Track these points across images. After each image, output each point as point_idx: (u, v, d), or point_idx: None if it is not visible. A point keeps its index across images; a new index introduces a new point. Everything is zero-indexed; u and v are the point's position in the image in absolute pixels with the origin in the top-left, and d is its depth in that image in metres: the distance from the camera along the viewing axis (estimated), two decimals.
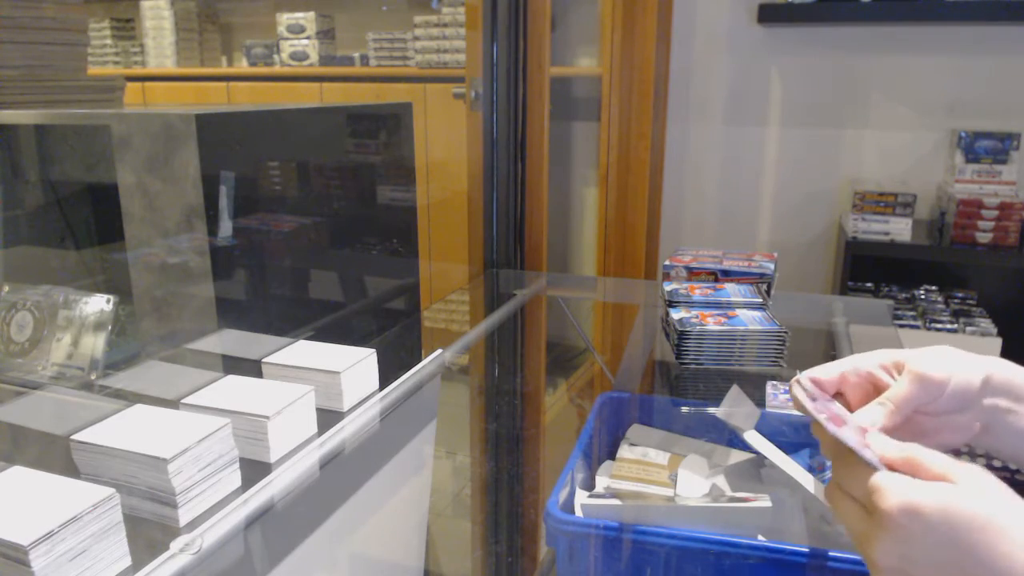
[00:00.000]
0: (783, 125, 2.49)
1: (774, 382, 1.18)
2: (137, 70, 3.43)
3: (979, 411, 0.56)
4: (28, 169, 1.19)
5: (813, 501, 0.97)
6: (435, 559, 1.21)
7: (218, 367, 0.92)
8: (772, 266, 1.45)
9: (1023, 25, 2.16)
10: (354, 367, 0.89)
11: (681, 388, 1.26)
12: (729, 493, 1.01)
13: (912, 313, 2.18)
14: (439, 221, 2.39)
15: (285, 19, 3.18)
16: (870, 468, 0.49)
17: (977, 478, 0.45)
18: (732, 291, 1.36)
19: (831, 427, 0.52)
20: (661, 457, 1.09)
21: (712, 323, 1.24)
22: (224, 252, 0.92)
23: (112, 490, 0.58)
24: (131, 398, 0.82)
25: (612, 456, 1.12)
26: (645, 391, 1.28)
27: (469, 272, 1.80)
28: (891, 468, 0.49)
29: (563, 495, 0.96)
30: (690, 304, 1.32)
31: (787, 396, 1.10)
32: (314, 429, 0.83)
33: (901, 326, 2.10)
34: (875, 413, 0.56)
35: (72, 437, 0.68)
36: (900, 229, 2.16)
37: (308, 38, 3.17)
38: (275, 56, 3.26)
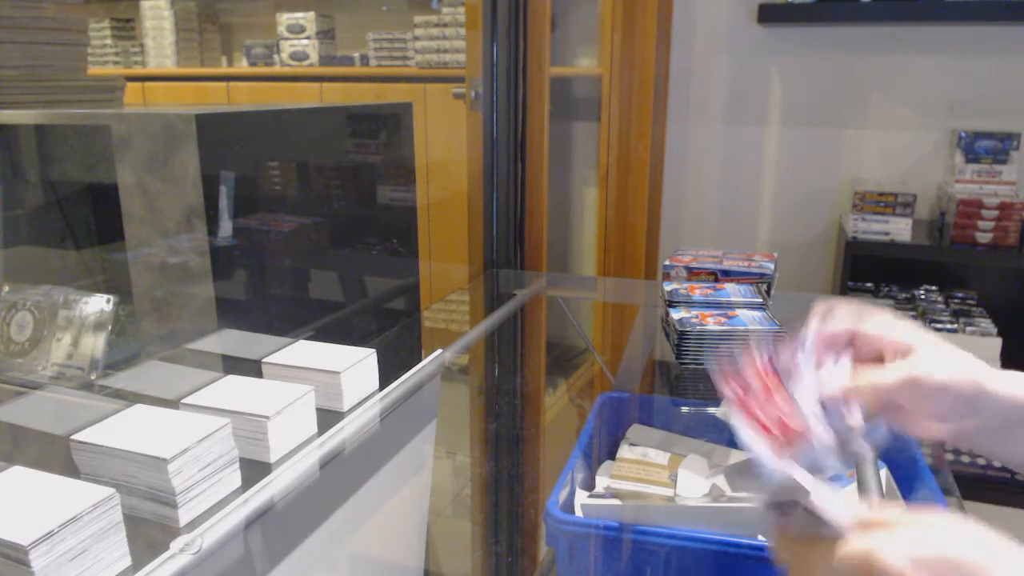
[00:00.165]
0: (783, 125, 2.49)
1: None
2: (137, 70, 3.43)
3: (973, 419, 0.54)
4: (28, 169, 1.19)
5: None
6: (435, 559, 1.21)
7: (218, 367, 0.92)
8: (772, 266, 1.45)
9: (1023, 25, 2.16)
10: (354, 367, 0.89)
11: (681, 388, 1.26)
12: (729, 493, 1.01)
13: (912, 313, 2.18)
14: (439, 221, 2.39)
15: (285, 19, 3.18)
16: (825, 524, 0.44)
17: (949, 520, 0.42)
18: (732, 291, 1.36)
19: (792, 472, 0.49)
20: (661, 457, 1.09)
21: (712, 323, 1.24)
22: (224, 252, 0.92)
23: (112, 490, 0.58)
24: (131, 398, 0.82)
25: (612, 456, 1.12)
26: (645, 391, 1.28)
27: (469, 272, 1.80)
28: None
29: (563, 495, 0.96)
30: (690, 304, 1.32)
31: None
32: (314, 429, 0.83)
33: None
34: (860, 391, 0.54)
35: (72, 437, 0.68)
36: (900, 229, 2.16)
37: (308, 38, 3.17)
38: (275, 56, 3.26)
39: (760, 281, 1.41)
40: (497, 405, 1.38)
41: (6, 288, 1.01)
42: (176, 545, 0.62)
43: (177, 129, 0.88)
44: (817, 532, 0.45)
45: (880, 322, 0.57)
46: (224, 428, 0.70)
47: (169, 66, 3.37)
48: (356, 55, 3.14)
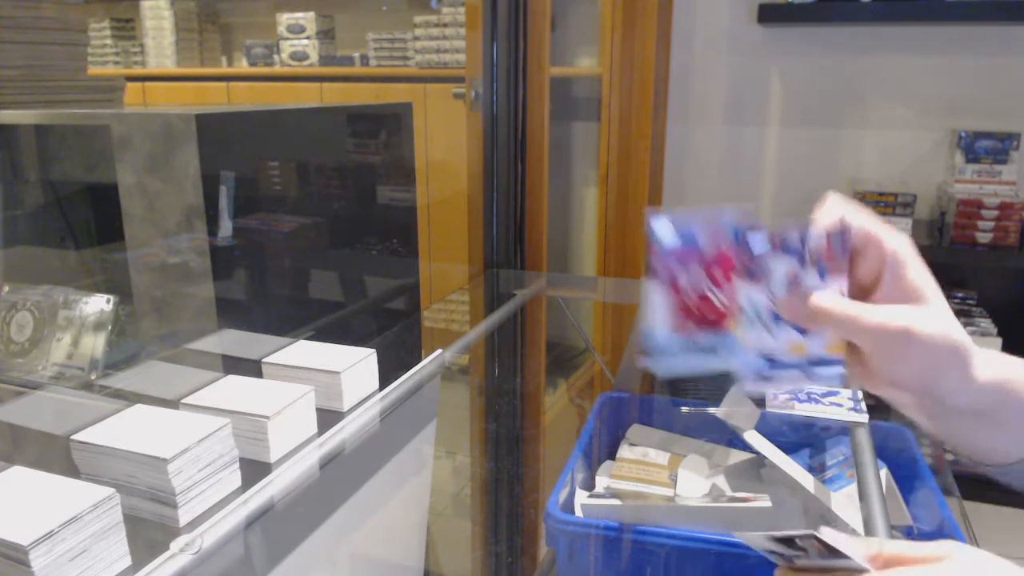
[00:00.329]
0: (783, 125, 2.49)
1: None
2: (137, 70, 3.43)
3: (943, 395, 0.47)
4: (28, 169, 1.19)
5: (813, 501, 0.97)
6: (435, 559, 1.21)
7: (218, 367, 0.92)
8: None
9: (1023, 25, 2.16)
10: (354, 367, 0.89)
11: (681, 388, 1.26)
12: (729, 493, 1.01)
13: None
14: (439, 221, 2.39)
15: (285, 19, 3.18)
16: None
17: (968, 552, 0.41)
18: None
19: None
20: (661, 457, 1.09)
21: None
22: (224, 252, 0.92)
23: (112, 490, 0.58)
24: (131, 398, 0.82)
25: (612, 456, 1.12)
26: (645, 391, 1.28)
27: (469, 272, 1.80)
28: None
29: (563, 495, 0.96)
30: None
31: (787, 396, 1.10)
32: (314, 429, 0.83)
33: None
34: (834, 317, 0.47)
35: (72, 437, 0.68)
36: (900, 229, 2.15)
37: (308, 38, 3.17)
38: (275, 56, 3.25)
39: None
40: (497, 405, 1.38)
41: (6, 288, 1.01)
42: (176, 545, 0.62)
43: (177, 129, 0.88)
44: (830, 568, 0.43)
45: (901, 250, 0.47)
46: (224, 428, 0.70)
47: (169, 66, 3.37)
48: (356, 55, 3.14)
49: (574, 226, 2.79)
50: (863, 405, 1.08)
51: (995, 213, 2.06)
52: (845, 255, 0.47)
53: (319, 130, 1.16)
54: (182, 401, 0.78)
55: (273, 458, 0.76)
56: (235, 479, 0.72)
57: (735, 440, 1.09)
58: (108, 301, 0.96)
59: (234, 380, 0.84)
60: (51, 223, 1.21)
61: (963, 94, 2.29)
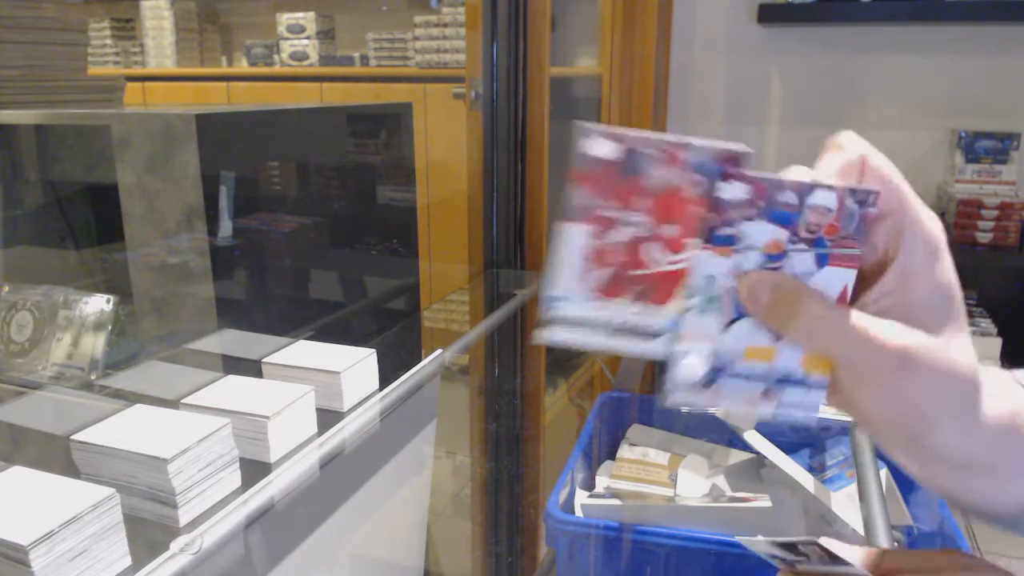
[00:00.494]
0: (783, 125, 2.49)
1: None
2: (137, 70, 3.43)
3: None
4: (28, 169, 1.19)
5: (813, 501, 0.97)
6: (435, 559, 1.21)
7: (218, 367, 0.92)
8: None
9: (1023, 25, 2.16)
10: (354, 367, 0.89)
11: None
12: (729, 493, 1.01)
13: None
14: (439, 221, 2.39)
15: (285, 19, 3.18)
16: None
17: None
18: None
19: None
20: (661, 457, 1.09)
21: None
22: (224, 252, 0.92)
23: (112, 490, 0.58)
24: (131, 398, 0.82)
25: (612, 456, 1.12)
26: (645, 391, 1.28)
27: (469, 272, 1.80)
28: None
29: (563, 495, 0.96)
30: None
31: None
32: (314, 429, 0.83)
33: None
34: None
35: (72, 437, 0.68)
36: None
37: (308, 38, 3.17)
38: (275, 56, 3.25)
39: None
40: (497, 405, 1.38)
41: (6, 288, 1.01)
42: (176, 545, 0.62)
43: (177, 129, 0.88)
44: (832, 574, 0.40)
45: (937, 239, 0.33)
46: (224, 428, 0.70)
47: (169, 66, 3.37)
48: (356, 55, 3.14)
49: None
50: None
51: (995, 213, 2.06)
52: (862, 234, 0.32)
53: (319, 130, 1.16)
54: (182, 401, 0.78)
55: (273, 458, 0.76)
56: (235, 479, 0.72)
57: (735, 440, 1.09)
58: (108, 301, 0.96)
59: (234, 380, 0.84)
60: (51, 223, 1.21)
61: (963, 94, 2.29)
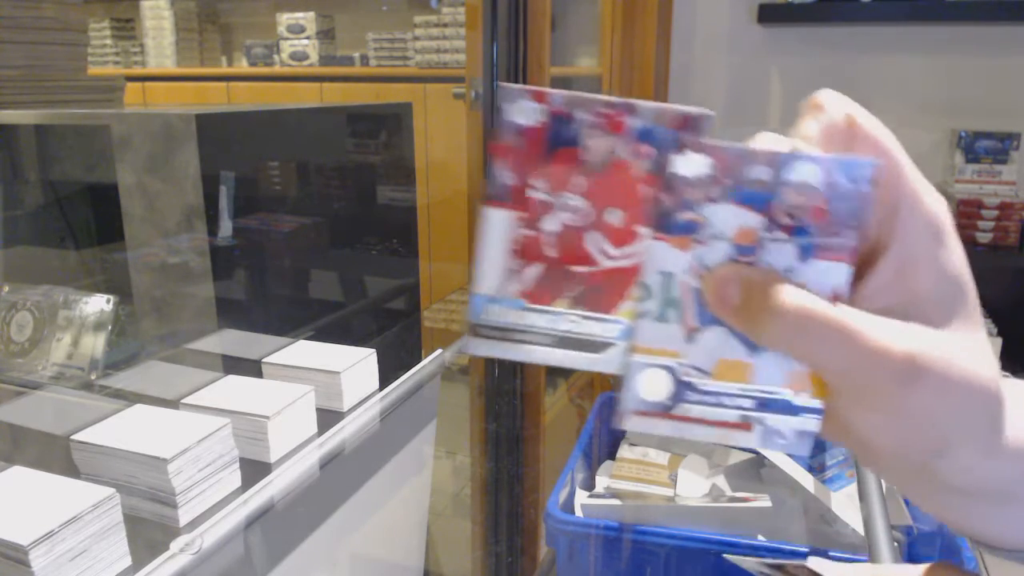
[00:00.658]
0: (783, 125, 2.49)
1: None
2: (137, 70, 3.43)
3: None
4: (28, 169, 1.19)
5: (813, 501, 0.97)
6: (435, 559, 1.21)
7: (218, 367, 0.92)
8: None
9: (1023, 25, 2.16)
10: (354, 367, 0.89)
11: None
12: (729, 493, 1.01)
13: None
14: (439, 221, 2.39)
15: (285, 19, 3.18)
16: None
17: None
18: None
19: None
20: (661, 457, 1.09)
21: None
22: (224, 252, 0.92)
23: (112, 490, 0.58)
24: (131, 398, 0.82)
25: (612, 456, 1.12)
26: None
27: (469, 272, 1.80)
28: None
29: (563, 495, 0.96)
30: None
31: None
32: (314, 429, 0.83)
33: None
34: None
35: (72, 437, 0.68)
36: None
37: (308, 38, 3.17)
38: (275, 56, 3.25)
39: None
40: (497, 405, 1.38)
41: (6, 288, 1.01)
42: (176, 545, 0.62)
43: (177, 129, 0.88)
44: None
45: (941, 220, 0.27)
46: (224, 428, 0.70)
47: (169, 66, 3.37)
48: (356, 55, 3.14)
49: None
50: None
51: (995, 213, 2.06)
52: (857, 220, 0.25)
53: (319, 130, 1.16)
54: (182, 401, 0.78)
55: (273, 458, 0.76)
56: (235, 479, 0.72)
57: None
58: (108, 301, 0.96)
59: (234, 380, 0.84)
60: (51, 223, 1.21)
61: (963, 94, 2.29)
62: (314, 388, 0.83)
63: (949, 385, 0.25)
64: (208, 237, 0.89)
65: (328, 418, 0.86)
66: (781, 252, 0.25)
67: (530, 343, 0.27)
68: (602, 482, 1.07)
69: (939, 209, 0.27)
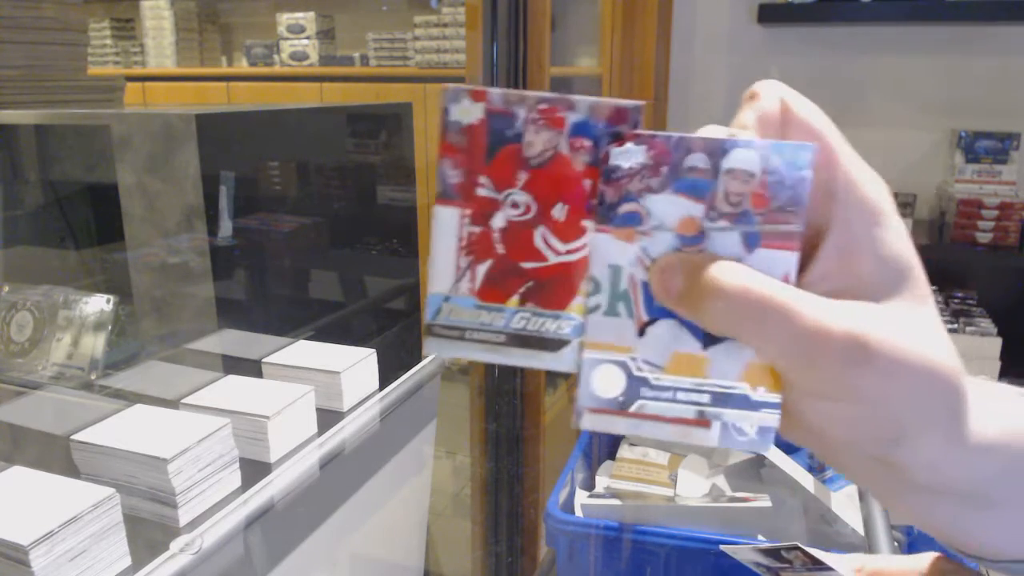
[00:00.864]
0: None
1: None
2: (137, 70, 3.43)
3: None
4: (28, 169, 1.19)
5: (813, 501, 0.97)
6: (435, 559, 1.21)
7: (218, 367, 0.92)
8: None
9: (1023, 25, 2.16)
10: (354, 367, 0.89)
11: None
12: (729, 493, 1.01)
13: None
14: None
15: (285, 19, 3.18)
16: None
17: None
18: None
19: None
20: (661, 457, 1.08)
21: None
22: (224, 252, 0.92)
23: (112, 490, 0.58)
24: (131, 398, 0.82)
25: (612, 456, 1.12)
26: None
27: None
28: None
29: (563, 495, 0.96)
30: None
31: None
32: (314, 429, 0.83)
33: None
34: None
35: (72, 437, 0.68)
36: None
37: (308, 38, 3.17)
38: (275, 56, 3.25)
39: None
40: (497, 405, 1.38)
41: (6, 288, 1.01)
42: (176, 545, 0.62)
43: (177, 129, 0.88)
44: None
45: (878, 201, 0.27)
46: (224, 428, 0.70)
47: (169, 66, 3.37)
48: (356, 55, 3.14)
49: None
50: None
51: (995, 213, 2.06)
52: (799, 206, 0.25)
53: (319, 130, 1.16)
54: (182, 401, 0.78)
55: (273, 458, 0.76)
56: (235, 479, 0.72)
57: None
58: (108, 301, 0.96)
59: (234, 380, 0.84)
60: (51, 223, 1.21)
61: (963, 94, 2.29)
62: (314, 388, 0.83)
63: (896, 365, 0.25)
64: (208, 237, 0.89)
65: (328, 418, 0.86)
66: (726, 242, 0.25)
67: (485, 342, 0.27)
68: (602, 482, 1.07)
69: (877, 191, 0.27)
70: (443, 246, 0.26)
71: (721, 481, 1.03)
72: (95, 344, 0.94)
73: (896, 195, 2.17)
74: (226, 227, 0.92)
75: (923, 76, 2.31)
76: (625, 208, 0.26)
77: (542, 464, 1.37)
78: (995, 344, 2.03)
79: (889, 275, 0.26)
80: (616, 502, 0.96)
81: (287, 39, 3.19)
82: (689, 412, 0.26)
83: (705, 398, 0.26)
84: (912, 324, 0.26)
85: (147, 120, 0.90)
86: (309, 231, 1.10)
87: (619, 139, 0.25)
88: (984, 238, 2.07)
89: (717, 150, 0.25)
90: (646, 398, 0.26)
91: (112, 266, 1.18)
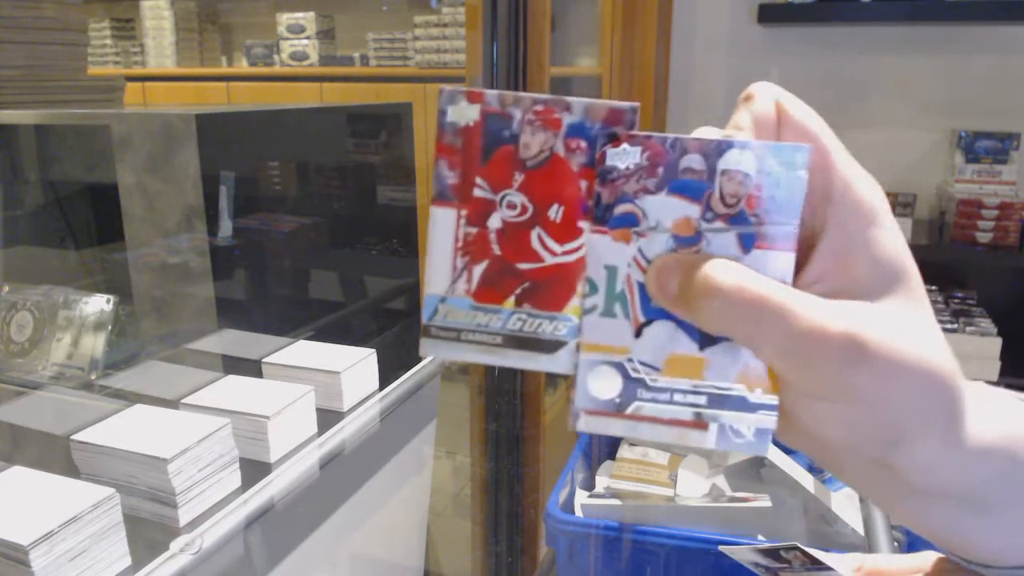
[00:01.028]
0: None
1: None
2: (137, 70, 3.43)
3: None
4: (28, 169, 1.19)
5: (813, 501, 0.97)
6: (435, 559, 1.21)
7: (218, 367, 0.92)
8: None
9: (1023, 25, 2.16)
10: (354, 367, 0.89)
11: None
12: (729, 493, 1.01)
13: None
14: None
15: (285, 19, 3.18)
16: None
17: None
18: None
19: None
20: (661, 457, 1.08)
21: None
22: (224, 252, 0.92)
23: (112, 490, 0.58)
24: (131, 398, 0.82)
25: (612, 456, 1.12)
26: None
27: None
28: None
29: (563, 495, 0.96)
30: None
31: None
32: (314, 429, 0.83)
33: None
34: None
35: (72, 437, 0.68)
36: (900, 229, 2.16)
37: (308, 38, 3.17)
38: (275, 56, 3.25)
39: None
40: (497, 405, 1.38)
41: (6, 288, 1.01)
42: (176, 545, 0.62)
43: (177, 129, 0.88)
44: None
45: (873, 203, 0.27)
46: (224, 428, 0.70)
47: (169, 66, 3.37)
48: (356, 55, 3.14)
49: None
50: None
51: (995, 213, 2.06)
52: (795, 207, 0.25)
53: (319, 130, 1.16)
54: (182, 401, 0.78)
55: (273, 458, 0.76)
56: (235, 479, 0.72)
57: None
58: (108, 301, 0.96)
59: (234, 380, 0.84)
60: (51, 223, 1.21)
61: (963, 94, 2.29)
62: (314, 388, 0.83)
63: (894, 366, 0.25)
64: (208, 237, 0.89)
65: (328, 418, 0.86)
66: (722, 243, 0.25)
67: (482, 343, 0.27)
68: (602, 482, 1.07)
69: (872, 192, 0.27)
70: (440, 247, 0.26)
71: (721, 481, 1.03)
72: (95, 344, 0.94)
73: (896, 195, 2.18)
74: (226, 227, 0.92)
75: (923, 76, 2.31)
76: (621, 209, 0.26)
77: (542, 464, 1.37)
78: (995, 344, 2.03)
79: (885, 276, 0.26)
80: (616, 502, 0.96)
81: (287, 39, 3.19)
82: (686, 414, 0.26)
83: (702, 400, 0.26)
84: (909, 325, 0.26)
85: (147, 120, 0.90)
86: (309, 231, 1.10)
87: (615, 140, 0.25)
88: (984, 238, 2.08)
89: (713, 151, 0.25)
90: (643, 400, 0.26)
91: (112, 266, 1.18)
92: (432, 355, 0.27)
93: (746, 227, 0.25)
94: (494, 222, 0.26)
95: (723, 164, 0.25)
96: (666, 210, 0.25)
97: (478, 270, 0.26)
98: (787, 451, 1.04)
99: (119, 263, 1.03)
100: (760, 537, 0.91)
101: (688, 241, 0.26)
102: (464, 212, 0.26)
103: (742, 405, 0.26)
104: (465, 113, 0.26)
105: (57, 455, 0.69)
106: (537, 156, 0.26)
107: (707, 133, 0.27)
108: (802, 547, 0.37)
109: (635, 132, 0.25)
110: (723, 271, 0.25)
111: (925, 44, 2.29)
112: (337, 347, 0.93)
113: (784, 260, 0.25)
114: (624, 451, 1.11)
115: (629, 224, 0.26)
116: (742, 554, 0.41)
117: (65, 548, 0.54)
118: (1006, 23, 2.17)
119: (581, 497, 1.01)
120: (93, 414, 0.72)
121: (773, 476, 1.03)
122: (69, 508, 0.55)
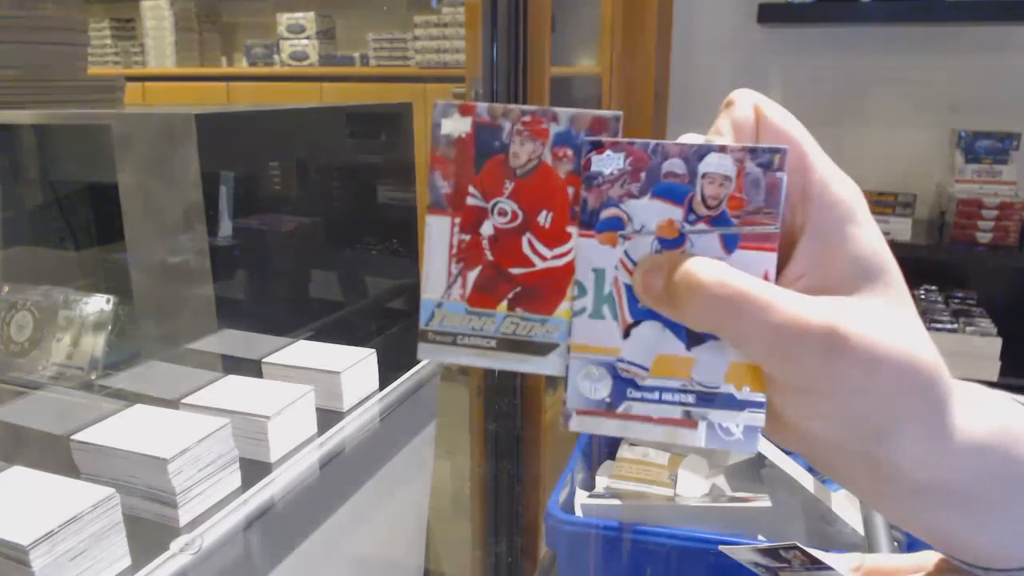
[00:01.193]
0: None
1: None
2: (137, 70, 3.43)
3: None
4: (28, 169, 1.19)
5: (813, 501, 0.97)
6: (435, 559, 1.21)
7: (218, 367, 0.92)
8: None
9: (1023, 25, 2.16)
10: (354, 367, 0.89)
11: None
12: (729, 493, 1.01)
13: None
14: None
15: (285, 19, 3.18)
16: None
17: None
18: None
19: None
20: (661, 457, 1.08)
21: None
22: (224, 252, 0.92)
23: (112, 490, 0.58)
24: (131, 398, 0.82)
25: (612, 456, 1.12)
26: None
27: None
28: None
29: (563, 495, 0.96)
30: None
31: None
32: (314, 429, 0.83)
33: None
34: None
35: (72, 437, 0.68)
36: (900, 229, 2.16)
37: (308, 38, 3.17)
38: (275, 56, 3.25)
39: None
40: (497, 405, 1.38)
41: (6, 288, 1.01)
42: (176, 545, 0.62)
43: (177, 129, 0.88)
44: None
45: (850, 201, 0.27)
46: (224, 428, 0.70)
47: (169, 66, 3.37)
48: (356, 55, 3.14)
49: None
50: None
51: (995, 213, 2.06)
52: (776, 207, 0.26)
53: (319, 130, 1.16)
54: (182, 401, 0.78)
55: (273, 458, 0.76)
56: (235, 479, 0.72)
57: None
58: (108, 301, 0.96)
59: (234, 380, 0.84)
60: (51, 223, 1.21)
61: (963, 94, 2.29)
62: (314, 388, 0.83)
63: (875, 358, 0.25)
64: (208, 237, 0.89)
65: (328, 418, 0.86)
66: (706, 244, 0.26)
67: (476, 347, 0.28)
68: (602, 482, 1.07)
69: (849, 191, 0.27)
70: (435, 254, 0.28)
71: (721, 481, 1.03)
72: (95, 344, 0.94)
73: (896, 195, 2.18)
74: (226, 227, 0.92)
75: (923, 76, 2.31)
76: (607, 213, 0.27)
77: (542, 464, 1.37)
78: (995, 344, 2.03)
79: (864, 272, 0.27)
80: (616, 502, 0.96)
81: (287, 39, 3.19)
82: (675, 412, 0.27)
83: (691, 398, 0.27)
84: (890, 318, 0.26)
85: (147, 120, 0.90)
86: (309, 231, 1.10)
87: (599, 147, 0.26)
88: (984, 238, 2.08)
89: (693, 155, 0.26)
90: (633, 399, 0.27)
91: (112, 266, 1.18)
92: (428, 359, 0.28)
93: (728, 228, 0.26)
94: (487, 229, 0.27)
95: (703, 167, 0.26)
96: (650, 213, 0.26)
97: (472, 276, 0.28)
98: (787, 451, 1.04)
99: (119, 263, 1.03)
100: (760, 537, 0.91)
101: (672, 243, 0.27)
102: (458, 220, 0.27)
103: (730, 403, 0.27)
104: (458, 125, 0.27)
105: (57, 455, 0.69)
106: (526, 165, 0.27)
107: (689, 139, 0.28)
108: (802, 547, 0.37)
109: (618, 139, 0.26)
110: (705, 268, 0.25)
111: (925, 44, 2.29)
112: (337, 347, 0.93)
113: (767, 259, 0.26)
114: (624, 451, 1.11)
115: (615, 228, 0.27)
116: (742, 554, 0.41)
117: (65, 548, 0.54)
118: (1006, 23, 2.18)
119: (581, 497, 1.01)
120: (93, 414, 0.72)
121: (773, 476, 1.03)
122: (69, 508, 0.55)
